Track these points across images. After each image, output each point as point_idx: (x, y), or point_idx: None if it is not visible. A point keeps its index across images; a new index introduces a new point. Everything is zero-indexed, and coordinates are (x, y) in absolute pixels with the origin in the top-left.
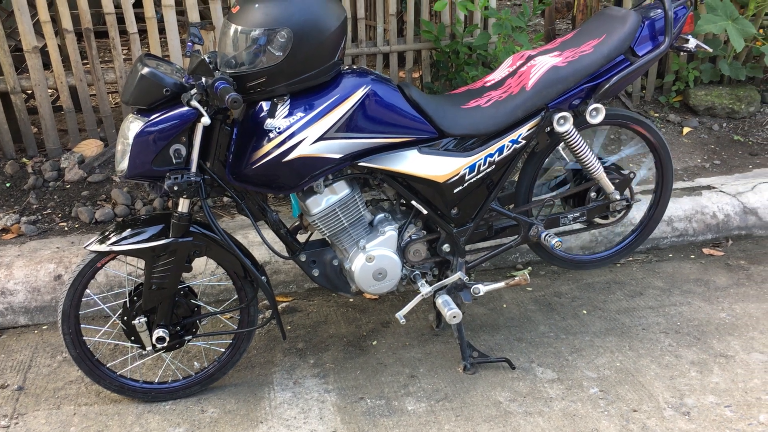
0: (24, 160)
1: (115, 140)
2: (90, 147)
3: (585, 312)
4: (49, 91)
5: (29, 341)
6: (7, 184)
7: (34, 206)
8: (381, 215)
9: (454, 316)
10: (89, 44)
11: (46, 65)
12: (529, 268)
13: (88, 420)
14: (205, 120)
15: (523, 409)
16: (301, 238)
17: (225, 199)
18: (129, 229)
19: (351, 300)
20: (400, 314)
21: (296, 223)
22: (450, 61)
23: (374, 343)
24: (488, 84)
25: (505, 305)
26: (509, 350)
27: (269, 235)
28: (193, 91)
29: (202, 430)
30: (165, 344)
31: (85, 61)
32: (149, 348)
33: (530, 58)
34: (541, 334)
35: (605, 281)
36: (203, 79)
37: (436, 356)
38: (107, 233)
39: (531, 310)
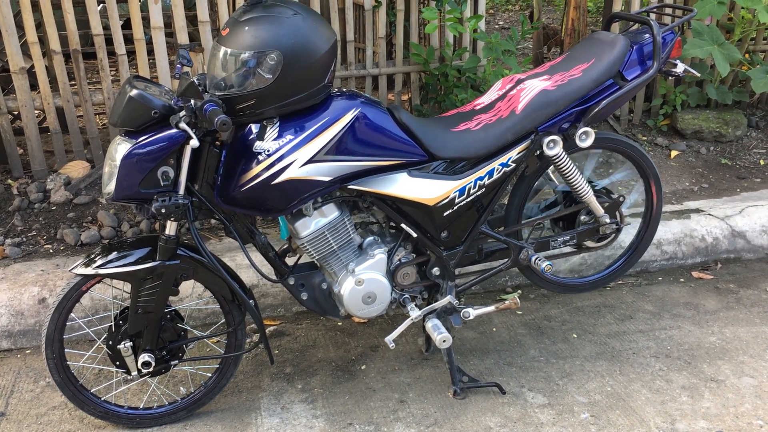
0: (9, 181)
1: (101, 162)
2: (76, 168)
3: (575, 336)
4: (36, 112)
5: (12, 366)
6: None
7: (19, 228)
8: (370, 238)
9: (444, 341)
10: (77, 65)
11: (33, 86)
12: (519, 291)
13: None
14: (194, 142)
15: None
16: (290, 261)
17: (213, 221)
18: (115, 252)
19: (339, 324)
20: (390, 338)
21: (285, 246)
22: (439, 84)
23: (363, 367)
24: (478, 107)
25: (494, 329)
26: (499, 375)
27: (257, 258)
28: (182, 113)
29: None
30: (151, 369)
31: (73, 83)
32: (135, 373)
33: (520, 81)
34: (532, 359)
35: (595, 305)
36: (192, 102)
37: (425, 381)
38: (93, 256)
39: (521, 333)
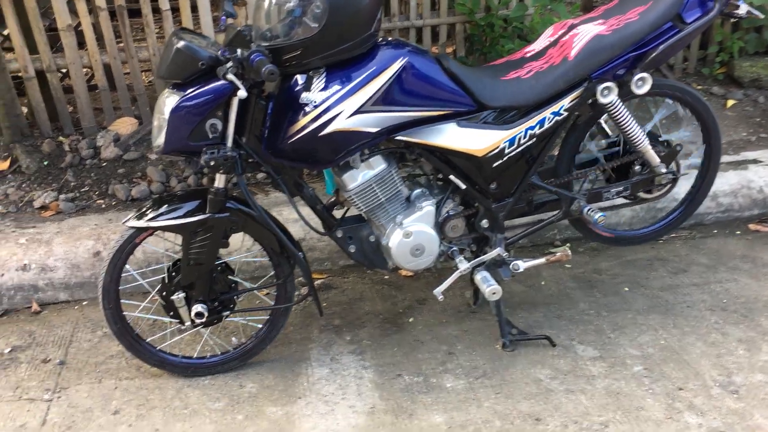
0: (60, 138)
1: (149, 118)
2: (125, 125)
3: (626, 289)
4: (84, 70)
5: (70, 317)
6: (45, 162)
7: (72, 184)
8: (418, 190)
9: (494, 293)
10: (122, 22)
11: (81, 44)
12: (568, 244)
13: (129, 394)
14: (242, 93)
15: (565, 386)
16: (337, 214)
17: (259, 176)
18: (166, 205)
19: (386, 277)
20: (438, 291)
21: (332, 199)
22: (485, 35)
23: (411, 320)
24: (528, 55)
25: (543, 282)
26: (549, 328)
27: (305, 211)
28: (229, 64)
29: (242, 405)
30: (203, 320)
31: (119, 40)
32: (188, 323)
33: (572, 27)
34: (582, 312)
35: (647, 258)
36: (239, 52)
37: (473, 333)
38: (145, 209)
39: (570, 287)
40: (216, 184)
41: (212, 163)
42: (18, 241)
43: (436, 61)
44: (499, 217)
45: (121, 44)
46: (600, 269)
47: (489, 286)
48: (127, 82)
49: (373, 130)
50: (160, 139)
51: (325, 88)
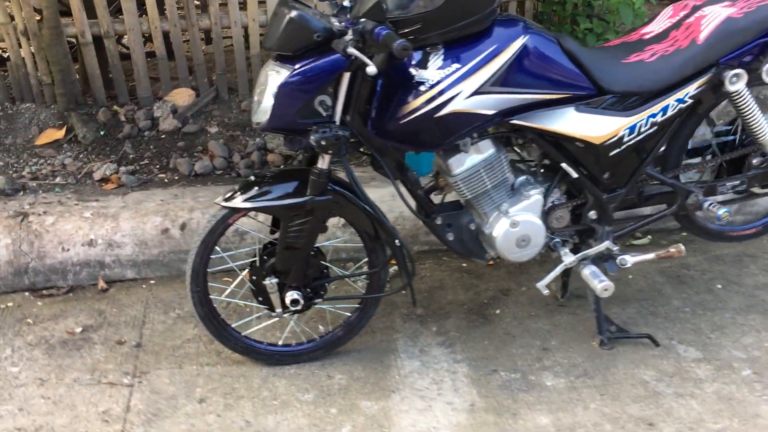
0: (115, 107)
1: (206, 90)
2: (182, 96)
3: (719, 286)
4: None
5: (139, 296)
6: (101, 132)
7: (131, 156)
8: (522, 178)
9: (606, 289)
10: None
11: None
12: (649, 237)
13: (212, 381)
14: (371, 69)
15: (673, 390)
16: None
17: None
18: (261, 186)
19: (464, 264)
20: (542, 284)
21: (431, 184)
22: (555, 13)
23: (497, 311)
24: (647, 36)
25: (630, 276)
26: (644, 325)
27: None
28: (348, 36)
29: (333, 398)
30: (299, 307)
31: (180, 6)
32: (278, 310)
33: (696, 8)
34: (676, 309)
35: (735, 254)
36: (360, 25)
37: (565, 328)
38: (239, 189)
39: (659, 282)
40: (320, 165)
41: (323, 143)
42: (83, 214)
43: (556, 41)
44: (609, 209)
45: (182, 11)
46: (688, 264)
47: (600, 282)
48: (186, 52)
49: (490, 112)
50: (262, 115)
51: (443, 66)
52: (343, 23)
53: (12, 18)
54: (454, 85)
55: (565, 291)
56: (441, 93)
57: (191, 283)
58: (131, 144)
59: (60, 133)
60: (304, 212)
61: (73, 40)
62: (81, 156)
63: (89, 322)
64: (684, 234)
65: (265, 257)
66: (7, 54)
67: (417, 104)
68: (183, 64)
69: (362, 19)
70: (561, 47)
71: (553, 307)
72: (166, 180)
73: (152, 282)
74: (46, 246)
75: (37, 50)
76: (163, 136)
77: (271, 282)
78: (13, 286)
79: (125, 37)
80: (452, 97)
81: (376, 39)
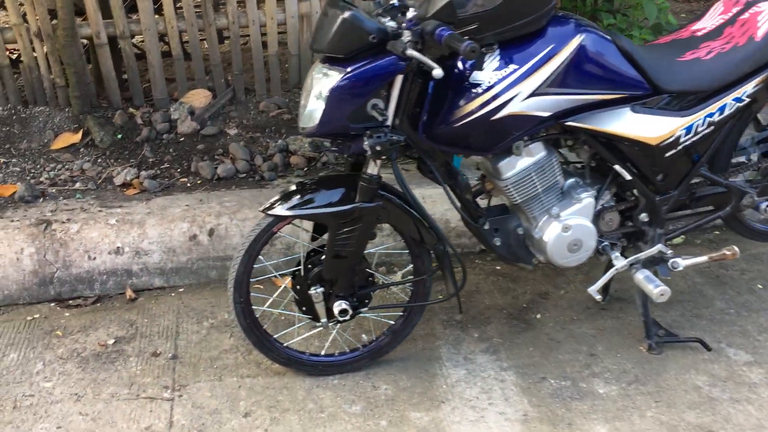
0: (131, 110)
1: (223, 91)
2: (198, 97)
3: (760, 287)
4: None
5: (170, 305)
6: (119, 135)
7: (150, 160)
8: (571, 180)
9: (662, 294)
10: None
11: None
12: (682, 237)
13: (255, 394)
14: (437, 72)
15: (728, 395)
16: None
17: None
18: (307, 193)
19: (497, 267)
20: (593, 289)
21: (476, 187)
22: (576, 8)
23: (538, 316)
24: (699, 33)
25: (669, 278)
26: (690, 328)
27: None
28: (406, 37)
29: (381, 409)
30: (348, 317)
31: (197, 5)
32: (323, 320)
33: (749, 4)
34: (720, 311)
35: None
36: (420, 25)
37: (610, 333)
38: (282, 197)
39: (699, 283)
40: (369, 171)
41: (378, 149)
42: (108, 221)
43: (611, 40)
44: (661, 211)
45: (199, 10)
46: (725, 264)
47: (656, 287)
48: (203, 52)
49: (546, 114)
50: (310, 120)
51: (499, 67)
52: (403, 24)
53: (25, 19)
54: (512, 87)
55: (606, 294)
56: (498, 95)
57: (234, 293)
58: (150, 147)
59: (76, 137)
60: (354, 219)
61: (85, 41)
62: (99, 160)
63: (121, 334)
64: (717, 233)
65: (309, 266)
66: (19, 55)
67: (473, 107)
68: (200, 65)
69: (427, 20)
70: (616, 46)
71: (595, 310)
72: (188, 184)
73: (181, 290)
74: (72, 255)
75: (50, 52)
76: (182, 139)
77: (316, 291)
78: (39, 297)
79: (134, 37)
80: (509, 99)
81: (438, 40)
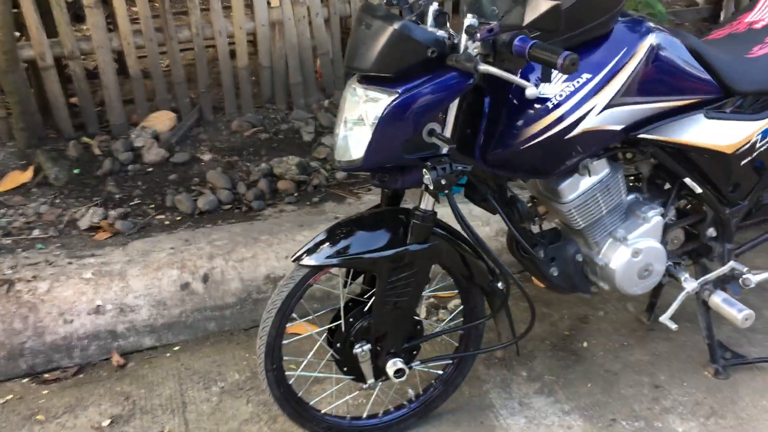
0: (84, 138)
1: (189, 111)
2: (161, 120)
3: None
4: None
5: (168, 369)
6: (76, 170)
7: (117, 196)
8: (631, 197)
9: (747, 318)
10: None
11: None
12: None
13: None
14: (532, 91)
15: None
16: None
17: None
18: (345, 237)
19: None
20: (666, 317)
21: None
22: None
23: (584, 344)
24: (758, 25)
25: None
26: (748, 344)
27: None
28: (475, 50)
29: None
30: (404, 377)
31: (156, 15)
32: (370, 381)
33: None
34: None
35: None
36: (491, 35)
37: (668, 358)
38: (315, 243)
39: (744, 294)
40: (422, 206)
41: (443, 182)
42: (82, 275)
43: (680, 40)
44: (731, 225)
45: (159, 21)
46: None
47: (740, 312)
48: (164, 68)
49: (618, 127)
50: (351, 152)
51: (570, 78)
52: (479, 34)
53: None
54: (587, 100)
55: (651, 314)
56: (572, 111)
57: (265, 360)
58: (114, 182)
59: (26, 176)
60: (407, 264)
61: (27, 64)
62: (57, 201)
63: (116, 411)
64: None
65: (350, 320)
66: None
67: (542, 125)
68: (161, 83)
69: (517, 28)
70: (686, 46)
71: (643, 333)
72: (167, 222)
73: (176, 349)
74: (44, 319)
75: None
76: (150, 169)
77: (363, 350)
78: (8, 374)
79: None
80: (585, 114)
81: (518, 52)
